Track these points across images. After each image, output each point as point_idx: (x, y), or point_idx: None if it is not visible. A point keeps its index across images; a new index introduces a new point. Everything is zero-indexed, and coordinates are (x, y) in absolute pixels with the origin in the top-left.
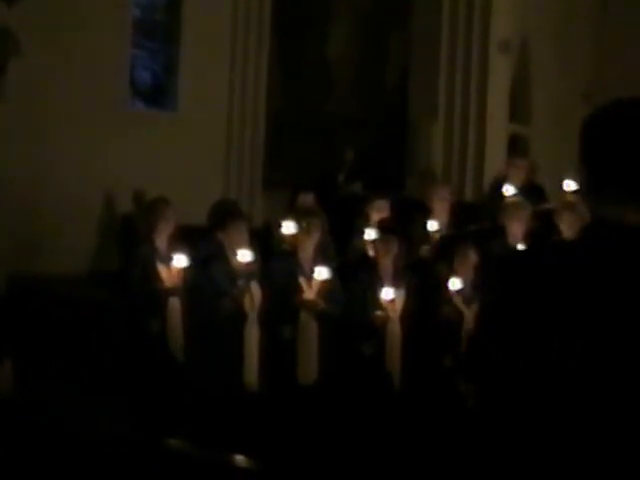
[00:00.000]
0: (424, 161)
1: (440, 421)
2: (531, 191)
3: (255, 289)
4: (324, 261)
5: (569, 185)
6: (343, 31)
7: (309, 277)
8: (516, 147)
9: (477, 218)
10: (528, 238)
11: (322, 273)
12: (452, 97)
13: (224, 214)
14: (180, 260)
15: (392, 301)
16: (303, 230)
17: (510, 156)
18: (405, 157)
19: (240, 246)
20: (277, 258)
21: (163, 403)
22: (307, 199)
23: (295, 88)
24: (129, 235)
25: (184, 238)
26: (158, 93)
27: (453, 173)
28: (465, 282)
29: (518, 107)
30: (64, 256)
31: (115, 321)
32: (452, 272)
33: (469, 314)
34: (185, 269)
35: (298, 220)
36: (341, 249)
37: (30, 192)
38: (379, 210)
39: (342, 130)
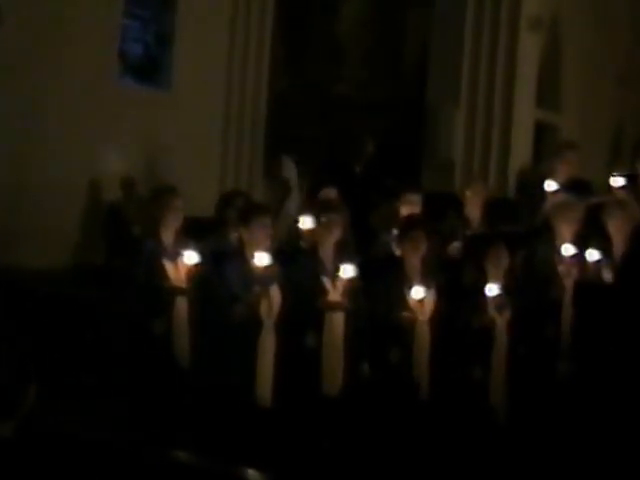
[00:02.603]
0: (443, 151)
1: (469, 437)
2: (577, 187)
3: (275, 294)
4: (347, 259)
5: (617, 181)
6: (355, 5)
7: (331, 276)
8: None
9: (513, 217)
10: (578, 240)
11: (348, 271)
12: (476, 80)
13: (244, 207)
14: (191, 257)
15: (421, 302)
16: (323, 226)
17: (560, 148)
18: (422, 146)
19: (262, 245)
20: (298, 258)
21: (165, 412)
22: (329, 194)
23: (301, 67)
24: (115, 226)
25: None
26: (150, 68)
27: (475, 164)
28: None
29: (546, 92)
30: (44, 248)
31: (107, 321)
32: (481, 275)
33: (501, 323)
34: (194, 267)
35: (317, 215)
36: (359, 246)
37: (6, 176)
38: (410, 204)
39: (353, 115)
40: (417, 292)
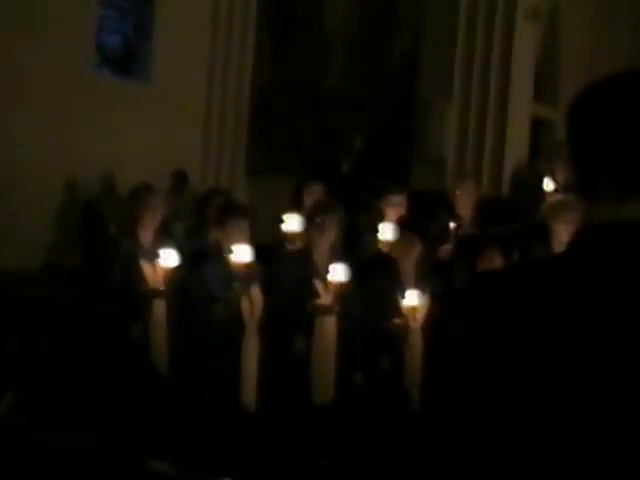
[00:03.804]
0: (435, 148)
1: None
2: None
3: (256, 294)
4: (341, 262)
5: None
6: None
7: (324, 280)
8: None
9: (507, 217)
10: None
11: (339, 273)
12: (469, 74)
13: (221, 208)
14: (168, 257)
15: (414, 308)
16: (317, 227)
17: (559, 145)
18: (413, 143)
19: (240, 244)
20: (288, 259)
21: (142, 419)
22: (315, 192)
23: (286, 60)
24: (91, 225)
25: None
26: (128, 60)
27: (468, 162)
28: None
29: (544, 86)
30: (17, 248)
31: (82, 325)
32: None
33: None
34: (173, 268)
35: (312, 215)
36: (346, 247)
37: None
38: (395, 205)
39: (340, 110)
40: (411, 297)
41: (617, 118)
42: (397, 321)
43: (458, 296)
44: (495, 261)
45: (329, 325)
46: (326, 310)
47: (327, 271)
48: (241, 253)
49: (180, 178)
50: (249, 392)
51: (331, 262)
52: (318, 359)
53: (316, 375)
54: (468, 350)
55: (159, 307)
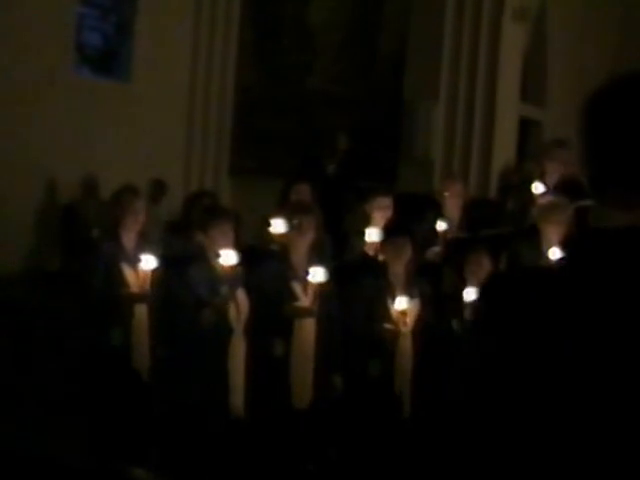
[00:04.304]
0: (421, 148)
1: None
2: (569, 188)
3: (242, 297)
4: (320, 264)
5: None
6: None
7: (303, 282)
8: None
9: (495, 219)
10: (565, 243)
11: (318, 274)
12: (456, 73)
13: (204, 212)
14: (148, 261)
15: (404, 313)
16: (295, 228)
17: (548, 148)
18: (399, 143)
19: (224, 248)
20: (266, 261)
21: (124, 427)
22: (301, 192)
23: (270, 58)
24: (72, 229)
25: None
26: (109, 59)
27: (455, 162)
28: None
29: (531, 86)
30: None
31: (63, 330)
32: (461, 281)
33: None
34: (156, 272)
35: (289, 217)
36: (333, 250)
37: None
38: (382, 208)
39: (325, 110)
40: (400, 302)
41: (637, 116)
42: (388, 326)
43: (480, 306)
44: (483, 264)
45: (308, 328)
46: (304, 312)
47: (305, 273)
48: (227, 256)
49: (158, 187)
50: (237, 398)
51: (309, 264)
52: (297, 362)
53: (295, 379)
54: (501, 360)
55: (141, 312)
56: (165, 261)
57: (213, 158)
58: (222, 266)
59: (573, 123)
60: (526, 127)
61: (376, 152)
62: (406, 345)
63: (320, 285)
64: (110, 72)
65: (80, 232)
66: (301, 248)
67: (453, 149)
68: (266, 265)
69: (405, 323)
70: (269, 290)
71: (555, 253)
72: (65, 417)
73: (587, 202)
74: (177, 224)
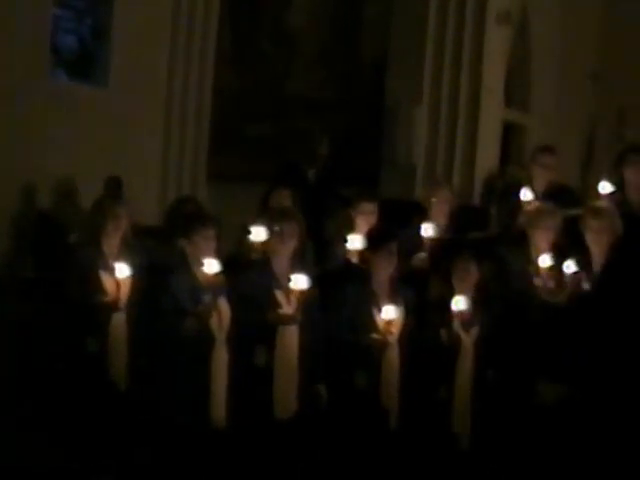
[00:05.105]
0: (403, 153)
1: (436, 466)
2: (557, 195)
3: (224, 306)
4: (302, 271)
5: (605, 187)
6: None
7: (286, 289)
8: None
9: (481, 225)
10: (555, 249)
11: (300, 282)
12: (439, 77)
13: (186, 218)
14: (122, 269)
15: (389, 322)
16: (277, 235)
17: (535, 153)
18: (381, 148)
19: (206, 256)
20: (248, 269)
21: (100, 438)
22: (282, 197)
23: (249, 63)
24: (46, 235)
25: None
26: (85, 63)
27: (438, 168)
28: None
29: (514, 90)
30: None
31: (35, 338)
32: (448, 287)
33: (467, 340)
34: (135, 279)
35: (270, 223)
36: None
37: None
38: (367, 214)
39: (306, 114)
40: (387, 312)
41: None
42: (375, 336)
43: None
44: (471, 270)
45: (290, 336)
46: (288, 320)
47: (288, 280)
48: (210, 265)
49: (115, 184)
50: (219, 408)
51: (292, 271)
52: (280, 371)
53: (278, 388)
54: None
55: (119, 321)
56: (147, 269)
57: (191, 163)
58: (205, 274)
59: (557, 127)
60: (509, 131)
61: (357, 157)
62: (393, 355)
63: (302, 292)
64: (86, 76)
65: (55, 238)
66: (283, 255)
67: (436, 154)
68: (249, 274)
69: (391, 333)
70: (251, 298)
71: (545, 261)
72: (38, 426)
73: (576, 211)
74: (158, 230)
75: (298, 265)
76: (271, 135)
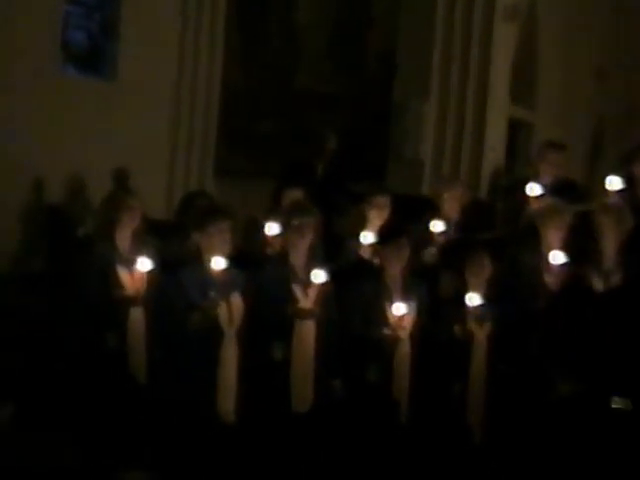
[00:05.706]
0: (411, 149)
1: (448, 460)
2: (564, 190)
3: (236, 302)
4: (319, 265)
5: (612, 182)
6: None
7: (303, 284)
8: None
9: (491, 222)
10: (566, 247)
11: (319, 276)
12: (447, 73)
13: (200, 211)
14: (144, 263)
15: (402, 318)
16: (295, 229)
17: (542, 149)
18: (389, 144)
19: (220, 251)
20: (267, 264)
21: (121, 432)
22: (294, 195)
23: (257, 58)
24: (57, 229)
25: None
26: (94, 58)
27: (445, 164)
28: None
29: (521, 87)
30: None
31: (55, 334)
32: (460, 283)
33: (480, 335)
34: (151, 274)
35: (288, 218)
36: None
37: None
38: (381, 207)
39: (313, 110)
40: (398, 308)
41: None
42: (387, 331)
43: None
44: (485, 265)
45: (308, 330)
46: (306, 314)
47: (306, 275)
48: (217, 262)
49: (123, 176)
50: (227, 402)
51: (309, 265)
52: (297, 365)
53: (295, 382)
54: None
55: (137, 315)
56: (159, 263)
57: (199, 158)
58: (212, 269)
59: (564, 124)
60: (516, 128)
61: (365, 152)
62: (404, 350)
63: (321, 286)
64: (95, 71)
65: (66, 232)
66: (301, 250)
67: (443, 150)
68: (267, 269)
69: (403, 328)
70: (269, 293)
71: (556, 257)
72: (59, 422)
73: (585, 206)
74: (171, 225)
75: (314, 259)
76: (279, 132)
